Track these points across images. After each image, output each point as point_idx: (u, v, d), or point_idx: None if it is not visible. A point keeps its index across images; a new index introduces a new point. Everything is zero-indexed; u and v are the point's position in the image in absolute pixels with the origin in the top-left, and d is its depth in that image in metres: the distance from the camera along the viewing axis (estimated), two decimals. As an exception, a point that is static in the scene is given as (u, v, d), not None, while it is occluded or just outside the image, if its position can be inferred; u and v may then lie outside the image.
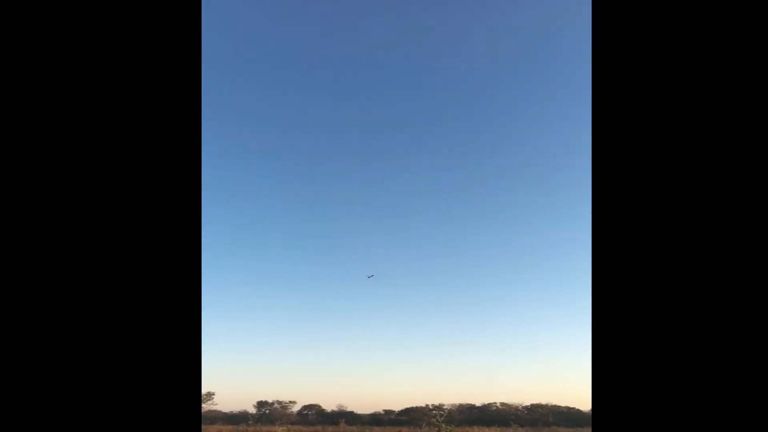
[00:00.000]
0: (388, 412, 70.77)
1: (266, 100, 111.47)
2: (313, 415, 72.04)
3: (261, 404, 73.38)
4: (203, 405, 69.30)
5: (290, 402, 74.23)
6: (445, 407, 63.31)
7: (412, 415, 64.24)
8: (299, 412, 73.39)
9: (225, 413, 70.44)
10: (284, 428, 25.58)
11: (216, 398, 70.69)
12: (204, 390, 70.11)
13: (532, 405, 68.76)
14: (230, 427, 39.56)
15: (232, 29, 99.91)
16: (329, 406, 73.65)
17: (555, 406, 67.13)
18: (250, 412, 70.23)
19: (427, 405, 67.22)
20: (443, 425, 20.38)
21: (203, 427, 45.68)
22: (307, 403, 74.84)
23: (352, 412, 69.99)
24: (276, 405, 73.27)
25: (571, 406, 66.39)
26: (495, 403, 70.89)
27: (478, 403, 71.68)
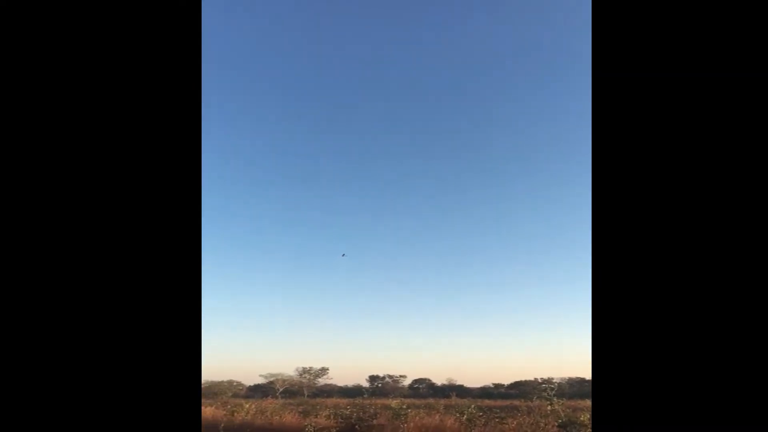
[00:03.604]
0: (497, 386, 70.99)
1: (266, 99, 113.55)
2: (424, 388, 73.62)
3: (373, 378, 76.04)
4: (319, 379, 72.92)
5: (401, 376, 76.35)
6: (554, 381, 62.67)
7: (522, 389, 64.05)
8: (410, 386, 75.23)
9: (340, 387, 73.67)
10: (398, 401, 26.69)
11: (330, 373, 74.17)
12: (318, 365, 73.75)
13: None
14: (347, 400, 41.55)
15: (232, 29, 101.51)
16: (439, 379, 75.06)
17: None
18: (363, 385, 73.11)
19: (536, 379, 66.91)
20: (554, 398, 20.62)
21: (321, 400, 48.30)
22: (417, 377, 76.78)
23: (461, 386, 70.84)
24: (387, 379, 75.64)
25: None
26: (607, 376, 68.93)
27: (588, 377, 70.20)
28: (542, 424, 17.34)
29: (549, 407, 19.81)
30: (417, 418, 19.63)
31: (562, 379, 67.58)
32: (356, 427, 17.91)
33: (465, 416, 18.55)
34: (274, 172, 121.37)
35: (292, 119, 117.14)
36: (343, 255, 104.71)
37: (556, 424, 16.60)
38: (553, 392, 21.86)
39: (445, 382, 72.77)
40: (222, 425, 20.01)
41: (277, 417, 22.07)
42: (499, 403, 42.30)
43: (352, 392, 65.72)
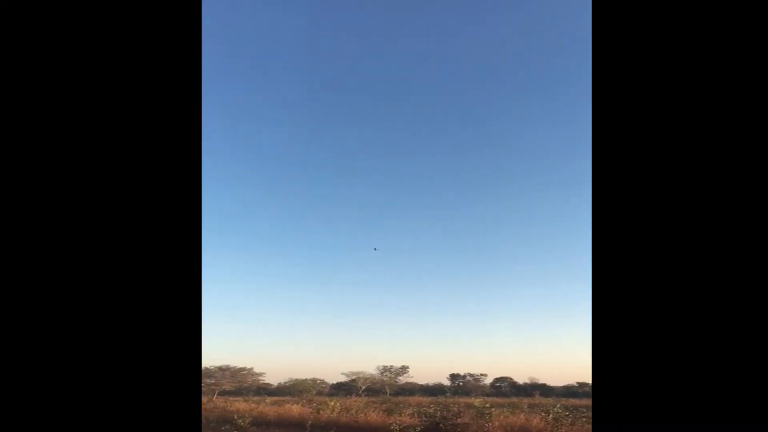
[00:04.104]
0: (582, 385, 69.09)
1: (266, 98, 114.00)
2: (505, 387, 72.75)
3: (454, 377, 75.86)
4: (400, 378, 73.42)
5: (482, 375, 75.79)
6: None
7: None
8: (492, 385, 74.55)
9: (421, 385, 73.88)
10: (481, 399, 26.55)
11: (411, 371, 74.50)
12: (398, 363, 74.29)
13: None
14: (429, 398, 41.71)
15: (232, 29, 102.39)
16: (521, 378, 73.93)
17: None
18: (445, 384, 73.03)
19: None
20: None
21: (403, 398, 48.63)
22: (497, 375, 75.93)
23: (544, 385, 69.49)
24: (468, 378, 75.25)
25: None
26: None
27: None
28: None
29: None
30: (501, 417, 19.49)
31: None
32: (440, 425, 18.01)
33: (551, 415, 18.25)
34: (285, 170, 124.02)
35: (291, 118, 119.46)
36: (375, 249, 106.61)
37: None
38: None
39: (527, 381, 71.62)
40: (309, 423, 20.61)
41: (361, 415, 22.48)
42: (585, 402, 41.18)
43: (433, 390, 65.88)
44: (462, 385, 72.18)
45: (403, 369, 73.42)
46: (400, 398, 47.99)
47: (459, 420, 18.33)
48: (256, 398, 41.41)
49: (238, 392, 63.21)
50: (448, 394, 35.04)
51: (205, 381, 64.00)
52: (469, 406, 22.60)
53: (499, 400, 39.41)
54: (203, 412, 26.90)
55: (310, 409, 25.25)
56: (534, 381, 70.98)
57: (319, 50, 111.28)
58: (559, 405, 21.72)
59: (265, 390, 67.60)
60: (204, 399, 41.17)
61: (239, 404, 31.63)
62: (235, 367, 67.08)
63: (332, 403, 26.54)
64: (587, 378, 71.37)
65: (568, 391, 65.48)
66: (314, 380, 72.27)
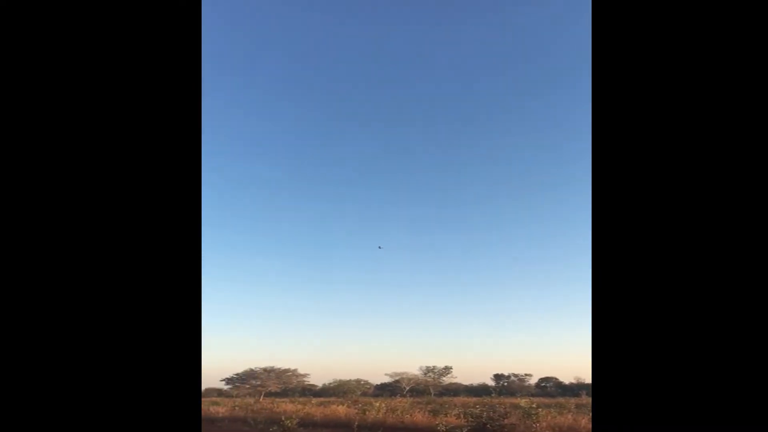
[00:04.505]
0: (630, 384, 67.39)
1: (265, 98, 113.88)
2: (551, 387, 71.60)
3: (498, 377, 75.04)
4: (444, 378, 73.08)
5: (526, 375, 74.79)
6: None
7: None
8: (537, 385, 73.49)
9: (465, 386, 73.33)
10: (527, 400, 26.27)
11: (454, 371, 73.99)
12: (441, 364, 73.93)
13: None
14: (474, 398, 41.42)
15: (233, 27, 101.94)
16: (566, 378, 72.63)
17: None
18: (489, 384, 72.28)
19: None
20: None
21: (448, 398, 48.39)
22: (542, 375, 74.75)
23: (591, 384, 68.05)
24: (513, 378, 74.35)
25: None
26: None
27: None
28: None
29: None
30: (549, 417, 19.31)
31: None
32: (487, 426, 17.94)
33: (600, 416, 17.91)
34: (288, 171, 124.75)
35: (290, 118, 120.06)
36: (380, 247, 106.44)
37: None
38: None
39: (573, 381, 70.27)
40: (356, 423, 20.79)
41: (407, 416, 22.55)
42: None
43: (477, 391, 65.30)
44: (506, 386, 71.22)
45: (446, 369, 73.00)
46: (445, 399, 47.78)
47: (506, 420, 18.22)
48: (302, 399, 41.93)
49: (283, 393, 64.00)
50: (493, 395, 34.75)
51: (251, 382, 65.12)
52: (516, 406, 22.42)
53: (546, 400, 38.87)
54: (251, 414, 27.41)
55: (356, 410, 25.45)
56: (580, 381, 69.57)
57: (319, 51, 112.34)
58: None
59: (310, 391, 68.18)
60: (251, 400, 41.94)
61: (285, 405, 32.12)
62: (279, 369, 67.95)
63: (377, 404, 26.71)
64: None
65: (616, 391, 63.91)
66: (358, 381, 72.42)
